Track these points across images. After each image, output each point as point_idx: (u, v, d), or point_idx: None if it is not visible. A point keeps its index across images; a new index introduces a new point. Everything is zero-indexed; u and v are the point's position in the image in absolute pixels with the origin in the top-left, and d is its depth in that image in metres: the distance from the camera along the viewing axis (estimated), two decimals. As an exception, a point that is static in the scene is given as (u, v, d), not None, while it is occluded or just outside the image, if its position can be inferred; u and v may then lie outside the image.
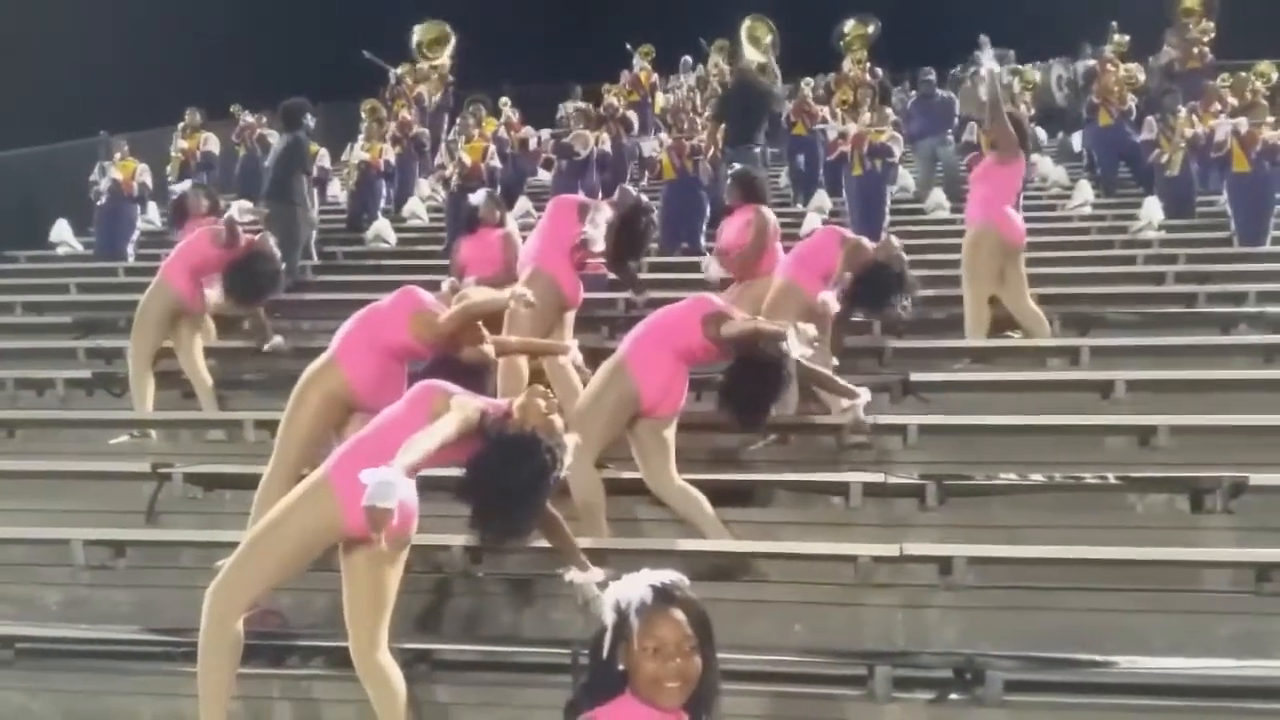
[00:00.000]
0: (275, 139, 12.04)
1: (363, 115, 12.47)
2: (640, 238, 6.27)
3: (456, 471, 3.70)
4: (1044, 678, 4.10)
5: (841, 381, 5.44)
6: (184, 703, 4.05)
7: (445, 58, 14.06)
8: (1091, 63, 12.98)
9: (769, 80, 11.09)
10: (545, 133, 12.43)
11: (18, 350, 8.31)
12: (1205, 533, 5.00)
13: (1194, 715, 3.95)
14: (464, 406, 3.67)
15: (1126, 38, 13.02)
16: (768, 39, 10.05)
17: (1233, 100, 10.30)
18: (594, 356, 5.46)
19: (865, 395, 5.43)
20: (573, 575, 4.00)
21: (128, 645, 4.67)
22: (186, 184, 9.74)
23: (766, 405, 4.99)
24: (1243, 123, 9.15)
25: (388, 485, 3.26)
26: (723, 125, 9.93)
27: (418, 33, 14.03)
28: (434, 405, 3.71)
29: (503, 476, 3.58)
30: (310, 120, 9.60)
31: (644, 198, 6.32)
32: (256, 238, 6.76)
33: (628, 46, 15.18)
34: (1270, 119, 9.23)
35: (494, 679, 4.36)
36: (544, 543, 4.10)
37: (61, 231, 11.42)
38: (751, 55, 10.26)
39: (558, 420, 3.75)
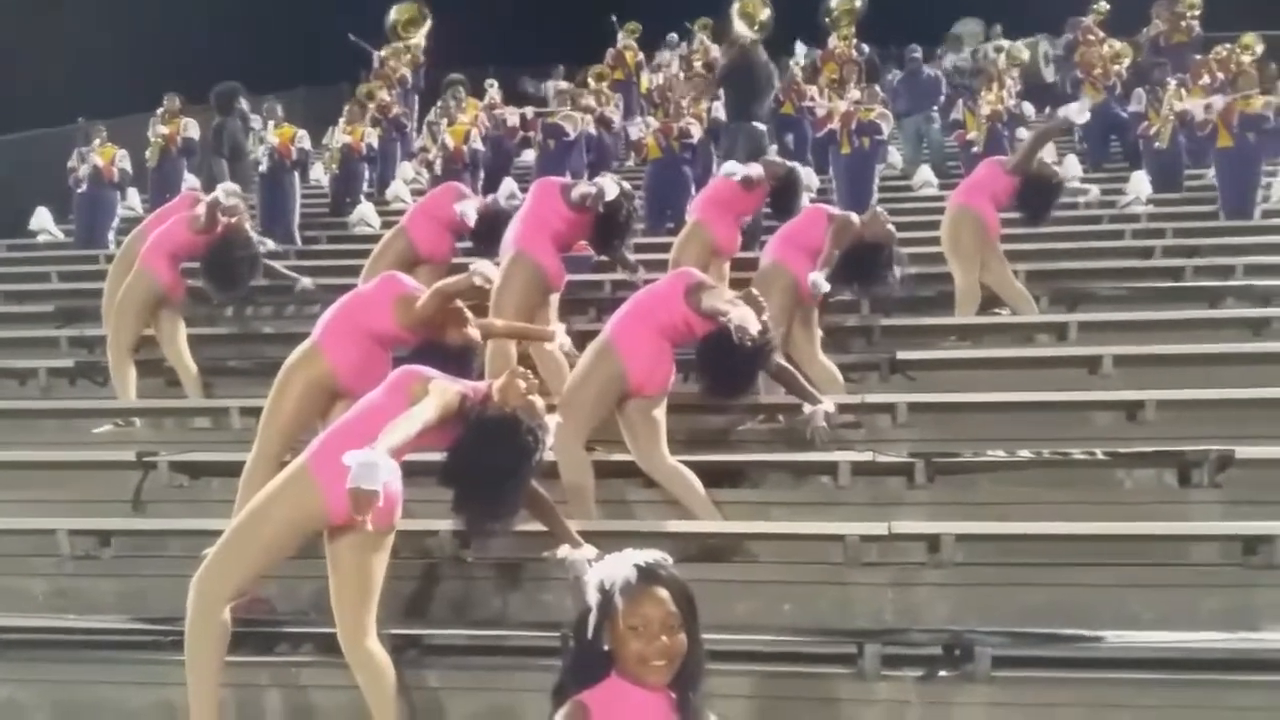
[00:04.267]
0: (257, 124, 11.98)
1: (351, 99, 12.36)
2: (622, 228, 6.25)
3: (442, 456, 3.67)
4: (1032, 653, 4.11)
5: (806, 385, 5.30)
6: (173, 691, 4.04)
7: (420, 38, 13.97)
8: (1071, 36, 12.94)
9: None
10: (528, 110, 12.29)
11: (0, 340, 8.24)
12: (1193, 506, 5.01)
13: (1182, 689, 3.96)
14: (443, 391, 3.64)
15: (1106, 5, 12.95)
16: (763, 15, 9.96)
17: (1220, 74, 10.27)
18: (581, 339, 5.43)
19: (827, 404, 5.22)
20: (565, 552, 3.98)
21: (116, 635, 4.65)
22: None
23: (742, 376, 4.91)
24: (1217, 100, 9.13)
25: (372, 467, 3.23)
26: (715, 101, 9.85)
27: (394, 13, 13.94)
28: (412, 390, 3.68)
29: (484, 459, 3.56)
30: (244, 104, 9.59)
31: (626, 185, 6.28)
32: (232, 222, 6.70)
33: (613, 18, 15.03)
34: (1257, 90, 9.20)
35: (484, 663, 4.36)
36: (531, 526, 4.08)
37: (42, 219, 11.29)
38: (743, 31, 10.18)
39: (538, 401, 3.72)
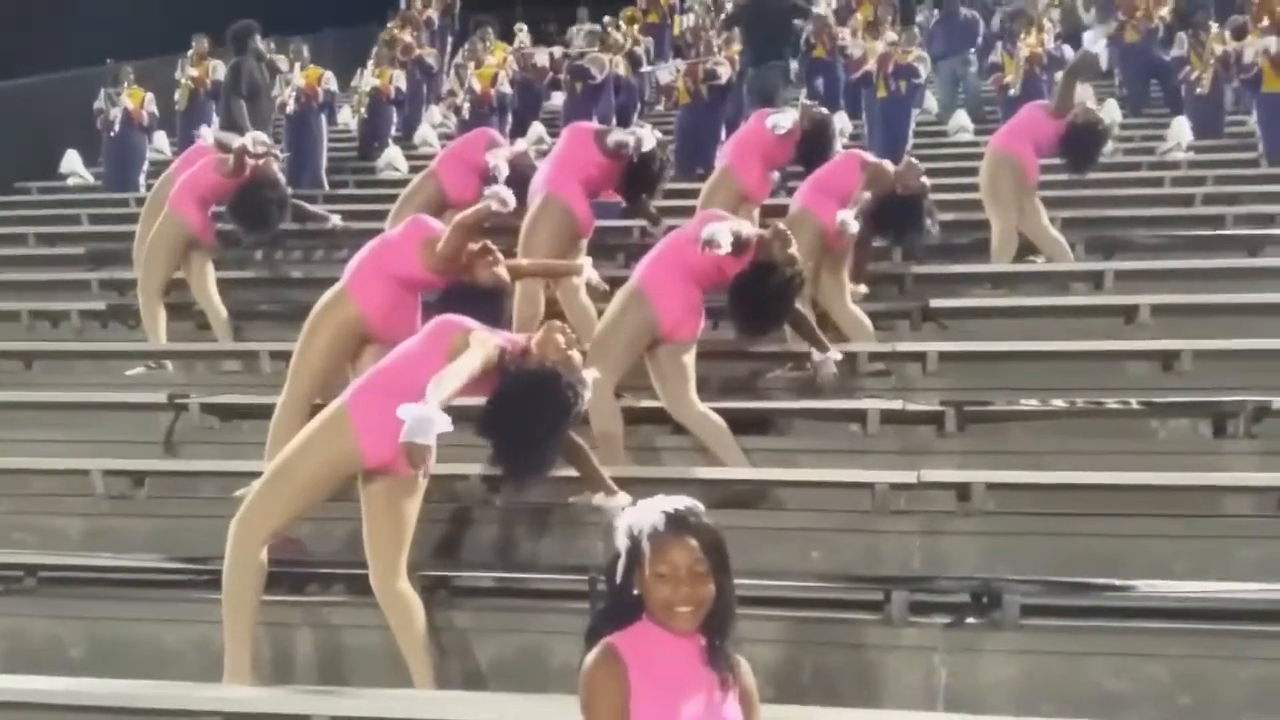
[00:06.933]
0: (284, 66, 11.92)
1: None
2: (654, 179, 6.25)
3: (475, 402, 3.68)
4: (1061, 602, 4.09)
5: (818, 333, 5.33)
6: (207, 628, 4.09)
7: None
8: None
9: None
10: (557, 50, 12.16)
11: (32, 282, 8.33)
12: (1228, 457, 4.97)
13: (1215, 639, 3.92)
14: (484, 343, 3.63)
15: None
16: None
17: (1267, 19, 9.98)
18: (610, 284, 5.40)
19: (835, 354, 5.31)
20: (599, 500, 4.00)
21: (150, 573, 4.72)
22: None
23: (772, 310, 4.93)
24: (1272, 42, 8.89)
25: (427, 421, 3.27)
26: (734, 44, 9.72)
27: None
28: (453, 340, 3.67)
29: (523, 415, 3.57)
30: (260, 42, 9.55)
31: (659, 135, 6.23)
32: (261, 163, 6.69)
33: None
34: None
35: (513, 605, 4.39)
36: (562, 471, 4.09)
37: (72, 162, 11.32)
38: None
39: (576, 355, 3.72)
